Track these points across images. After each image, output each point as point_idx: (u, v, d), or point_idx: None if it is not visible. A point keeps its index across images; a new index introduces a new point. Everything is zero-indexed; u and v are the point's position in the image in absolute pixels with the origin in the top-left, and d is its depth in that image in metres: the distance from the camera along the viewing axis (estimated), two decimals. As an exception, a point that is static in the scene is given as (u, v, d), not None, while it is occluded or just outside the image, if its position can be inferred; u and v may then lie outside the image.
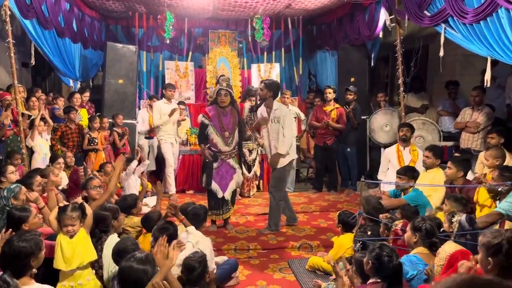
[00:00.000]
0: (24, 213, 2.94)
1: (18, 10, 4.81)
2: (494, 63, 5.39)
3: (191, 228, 3.36)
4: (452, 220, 2.96)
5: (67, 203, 2.99)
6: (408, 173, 4.26)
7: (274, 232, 4.83)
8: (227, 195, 4.73)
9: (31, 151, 5.23)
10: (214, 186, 4.72)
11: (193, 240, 3.23)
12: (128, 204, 3.86)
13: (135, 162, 5.47)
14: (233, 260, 3.85)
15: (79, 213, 2.89)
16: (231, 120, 4.61)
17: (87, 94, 6.88)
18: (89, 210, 2.99)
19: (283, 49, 8.56)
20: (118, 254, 2.75)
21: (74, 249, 2.80)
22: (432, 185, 4.17)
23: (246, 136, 6.16)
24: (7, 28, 4.70)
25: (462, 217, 2.92)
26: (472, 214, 3.24)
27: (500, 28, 3.69)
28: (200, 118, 4.72)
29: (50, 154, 5.34)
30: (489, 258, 2.00)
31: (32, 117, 5.40)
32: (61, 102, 6.47)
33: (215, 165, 4.70)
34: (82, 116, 6.41)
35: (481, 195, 3.65)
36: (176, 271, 2.86)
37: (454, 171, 3.96)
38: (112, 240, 3.06)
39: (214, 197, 4.74)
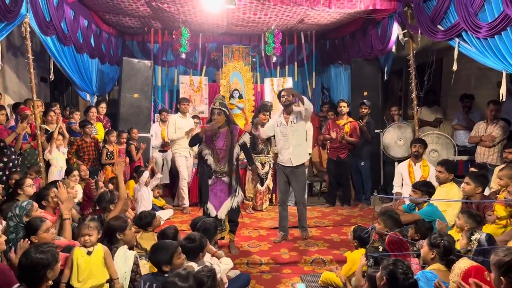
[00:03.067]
0: (35, 224, 2.97)
1: (38, 27, 4.94)
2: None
3: (226, 260, 3.38)
4: (471, 238, 2.92)
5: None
6: (423, 187, 4.21)
7: (287, 246, 4.85)
8: (221, 214, 4.42)
9: (47, 164, 5.33)
10: (209, 206, 4.46)
11: (220, 268, 3.22)
12: (146, 221, 3.89)
13: (146, 173, 5.53)
14: (245, 274, 3.84)
15: (97, 224, 2.92)
16: (225, 143, 4.41)
17: (104, 105, 7.00)
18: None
19: (296, 63, 8.61)
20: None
21: (90, 269, 2.82)
22: (448, 200, 4.11)
23: (259, 149, 6.19)
24: (27, 44, 4.84)
25: (482, 235, 2.88)
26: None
27: (514, 42, 3.67)
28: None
29: (66, 167, 5.43)
30: (501, 278, 1.96)
31: (50, 131, 5.51)
32: (77, 116, 6.59)
33: (209, 182, 4.47)
34: (98, 130, 6.52)
35: (497, 213, 3.59)
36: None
37: (472, 187, 3.90)
38: (121, 251, 3.08)
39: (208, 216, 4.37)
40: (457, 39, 4.54)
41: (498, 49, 3.92)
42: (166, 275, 2.79)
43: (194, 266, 3.01)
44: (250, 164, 4.77)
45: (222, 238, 4.60)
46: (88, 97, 7.34)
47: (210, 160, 4.43)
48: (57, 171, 5.37)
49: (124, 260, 3.02)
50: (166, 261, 2.81)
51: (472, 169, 4.88)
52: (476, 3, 4.05)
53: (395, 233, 3.18)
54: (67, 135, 5.75)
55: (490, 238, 2.87)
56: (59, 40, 5.56)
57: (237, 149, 4.49)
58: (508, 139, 5.04)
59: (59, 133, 5.50)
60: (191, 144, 4.73)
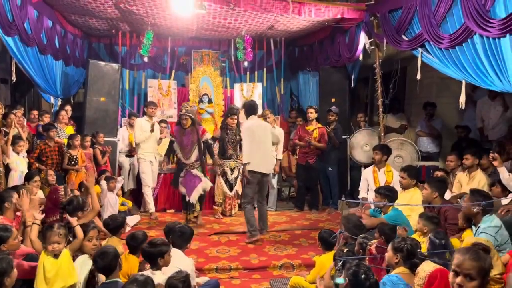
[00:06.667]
0: (5, 234, 2.88)
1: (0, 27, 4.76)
2: (473, 88, 5.53)
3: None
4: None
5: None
6: (385, 192, 4.32)
7: (256, 251, 4.86)
8: (192, 199, 5.70)
9: (7, 169, 5.11)
10: (183, 190, 5.81)
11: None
12: (120, 222, 3.80)
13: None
14: (215, 280, 3.80)
15: (66, 231, 2.86)
16: (190, 139, 5.71)
17: (68, 108, 6.82)
18: (80, 233, 2.98)
19: (265, 69, 8.66)
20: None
21: (57, 271, 2.76)
22: (411, 205, 4.24)
23: (228, 155, 6.18)
24: (-12, 45, 4.65)
25: (430, 234, 3.00)
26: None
27: (474, 53, 3.84)
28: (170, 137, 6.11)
29: (27, 172, 5.22)
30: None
31: (8, 135, 5.29)
32: (46, 119, 6.37)
33: (181, 174, 5.83)
34: (67, 134, 6.31)
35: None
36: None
37: (428, 192, 4.05)
38: (81, 259, 3.01)
39: (184, 200, 5.85)
40: (420, 49, 4.70)
41: (459, 60, 4.09)
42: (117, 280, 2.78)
43: (160, 275, 2.96)
44: (212, 157, 6.00)
45: (196, 217, 5.88)
46: (52, 100, 7.11)
47: (179, 154, 5.79)
48: (17, 175, 5.15)
49: (79, 268, 2.96)
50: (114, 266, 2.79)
51: (437, 173, 5.04)
52: (438, 14, 4.22)
53: (380, 242, 3.29)
54: (23, 137, 5.53)
55: (437, 233, 3.02)
56: (21, 41, 5.35)
57: (201, 144, 5.69)
58: (467, 147, 5.23)
59: (19, 137, 5.29)
60: (169, 149, 6.03)
